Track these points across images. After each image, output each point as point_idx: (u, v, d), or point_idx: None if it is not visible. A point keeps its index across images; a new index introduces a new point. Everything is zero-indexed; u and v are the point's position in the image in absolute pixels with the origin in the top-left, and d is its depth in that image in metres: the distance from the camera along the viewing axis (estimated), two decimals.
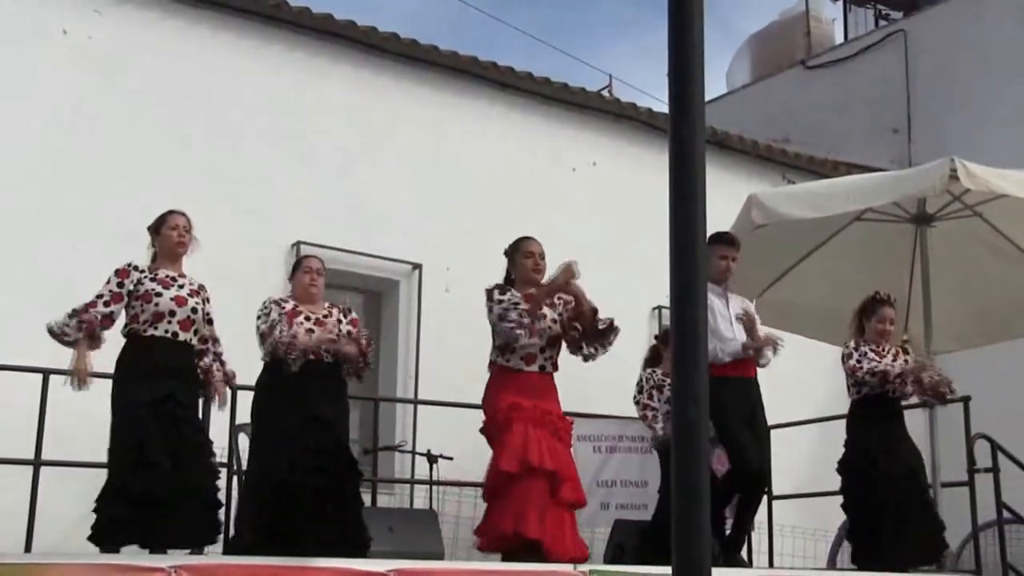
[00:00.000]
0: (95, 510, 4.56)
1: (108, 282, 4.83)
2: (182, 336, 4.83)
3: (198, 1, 7.51)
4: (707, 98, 2.14)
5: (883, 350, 5.88)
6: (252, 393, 5.03)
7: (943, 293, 6.70)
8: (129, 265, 4.89)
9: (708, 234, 2.12)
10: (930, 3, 11.71)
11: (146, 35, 7.31)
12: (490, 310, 5.19)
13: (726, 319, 5.67)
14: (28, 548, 5.08)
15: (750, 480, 5.54)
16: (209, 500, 4.76)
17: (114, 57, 7.16)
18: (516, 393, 5.12)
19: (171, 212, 5.03)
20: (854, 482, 5.74)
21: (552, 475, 4.99)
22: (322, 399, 4.87)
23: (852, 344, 5.86)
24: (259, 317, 4.98)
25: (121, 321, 4.89)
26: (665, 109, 2.11)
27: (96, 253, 6.56)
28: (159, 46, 7.33)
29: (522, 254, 5.33)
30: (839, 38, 13.16)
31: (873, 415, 5.75)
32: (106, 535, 4.51)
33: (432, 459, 6.58)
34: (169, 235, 4.96)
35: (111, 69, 7.13)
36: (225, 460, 5.84)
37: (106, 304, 4.76)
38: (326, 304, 5.19)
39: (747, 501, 5.66)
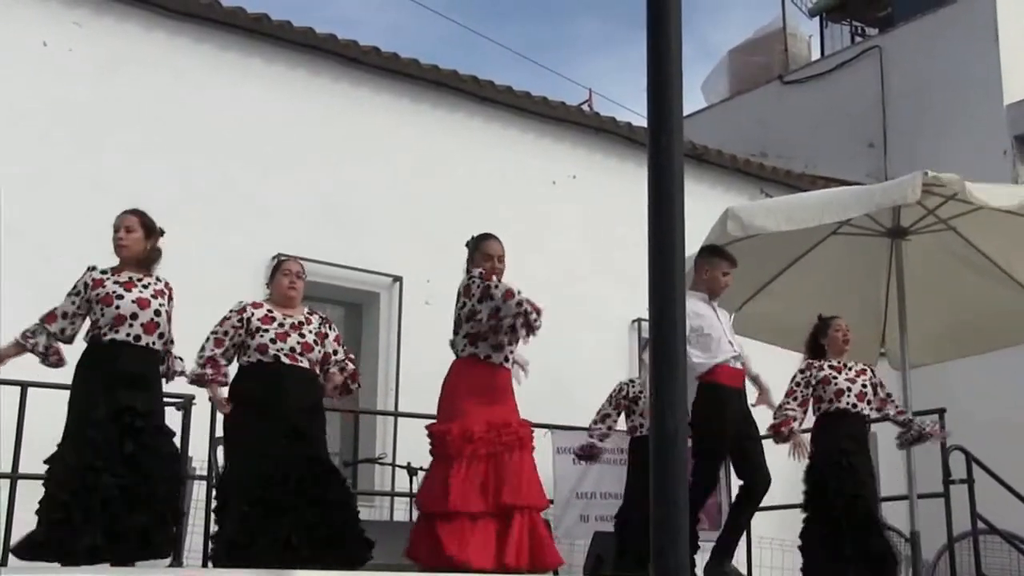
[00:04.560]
0: (42, 519, 4.46)
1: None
2: (144, 340, 4.68)
3: (178, 14, 7.51)
4: (685, 113, 2.17)
5: (843, 365, 5.97)
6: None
7: (919, 306, 6.76)
8: (89, 268, 4.77)
9: (686, 247, 2.14)
10: (905, 20, 11.86)
11: (126, 47, 7.30)
12: (474, 293, 4.96)
13: (720, 329, 5.71)
14: (4, 562, 5.05)
15: (762, 494, 5.58)
16: (165, 512, 4.64)
17: (94, 69, 7.15)
18: (480, 394, 4.93)
19: (122, 213, 4.86)
20: (810, 495, 5.82)
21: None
22: (296, 408, 4.78)
23: (807, 363, 5.97)
24: (217, 324, 4.89)
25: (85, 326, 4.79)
26: (644, 123, 2.14)
27: (72, 265, 6.53)
28: (139, 58, 7.33)
29: (482, 255, 5.14)
30: (816, 54, 13.31)
31: (828, 429, 5.81)
32: (46, 547, 4.41)
33: (412, 471, 6.58)
34: (113, 237, 4.80)
35: (91, 81, 7.12)
36: (204, 472, 5.85)
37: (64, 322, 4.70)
38: (305, 310, 5.12)
39: (749, 510, 5.67)
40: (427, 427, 5.08)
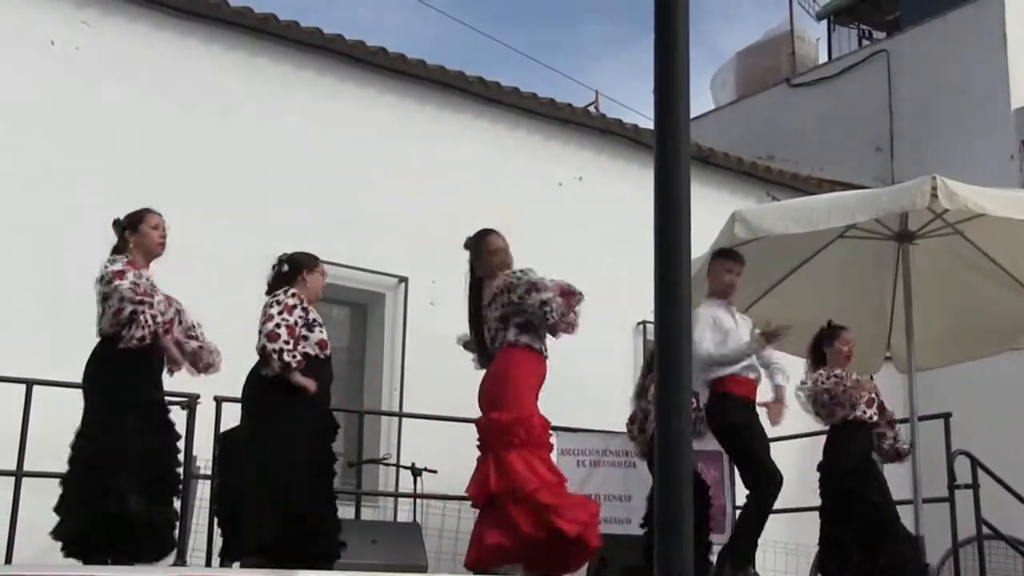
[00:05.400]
0: (71, 517, 4.48)
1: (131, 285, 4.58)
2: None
3: (186, 13, 7.52)
4: (692, 115, 2.17)
5: (848, 374, 5.97)
6: (242, 400, 4.93)
7: (925, 310, 6.76)
8: (127, 264, 4.67)
9: (692, 251, 2.14)
10: (912, 24, 11.83)
11: (134, 46, 7.31)
12: (532, 290, 4.89)
13: (736, 328, 5.71)
14: (8, 560, 5.06)
15: (775, 495, 5.58)
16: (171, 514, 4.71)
17: (102, 68, 7.16)
18: (538, 385, 4.96)
19: (149, 211, 4.83)
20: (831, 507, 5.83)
21: None
22: (325, 405, 4.88)
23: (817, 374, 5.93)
24: (280, 310, 4.75)
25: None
26: (650, 125, 2.14)
27: (81, 264, 6.54)
28: (147, 58, 7.34)
29: (489, 252, 5.13)
30: (823, 57, 13.28)
31: (842, 440, 5.84)
32: (84, 548, 4.44)
33: (416, 472, 6.58)
34: (151, 234, 4.76)
35: (99, 80, 7.13)
36: (207, 472, 5.85)
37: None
38: None
39: (765, 509, 5.64)
40: (500, 417, 4.85)
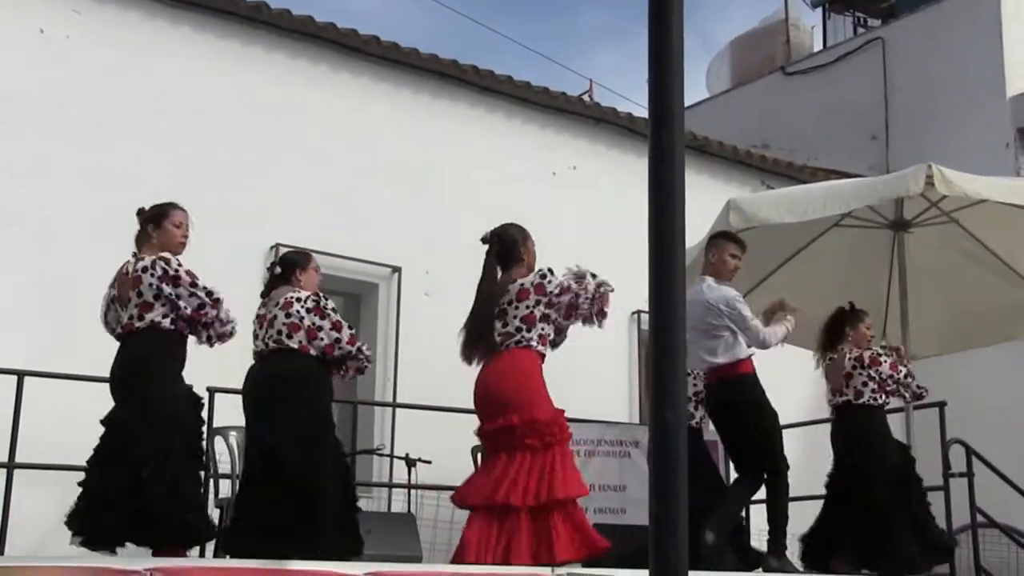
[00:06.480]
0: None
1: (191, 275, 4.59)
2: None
3: (178, 2, 7.47)
4: (686, 104, 2.15)
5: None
6: (243, 392, 4.84)
7: (921, 299, 6.76)
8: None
9: (687, 240, 2.12)
10: (908, 11, 11.81)
11: (125, 35, 7.27)
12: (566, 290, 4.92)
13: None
14: (0, 551, 5.04)
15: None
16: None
17: (92, 57, 7.11)
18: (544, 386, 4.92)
19: (175, 207, 4.74)
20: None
21: None
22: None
23: (876, 349, 5.95)
24: (331, 307, 4.77)
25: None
26: (645, 113, 2.12)
27: (71, 255, 6.52)
28: (138, 46, 7.29)
29: (531, 254, 5.11)
30: (818, 45, 13.25)
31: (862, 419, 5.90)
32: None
33: (410, 463, 6.57)
34: (173, 232, 4.68)
35: (89, 69, 7.08)
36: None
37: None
38: None
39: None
40: (534, 418, 4.76)
